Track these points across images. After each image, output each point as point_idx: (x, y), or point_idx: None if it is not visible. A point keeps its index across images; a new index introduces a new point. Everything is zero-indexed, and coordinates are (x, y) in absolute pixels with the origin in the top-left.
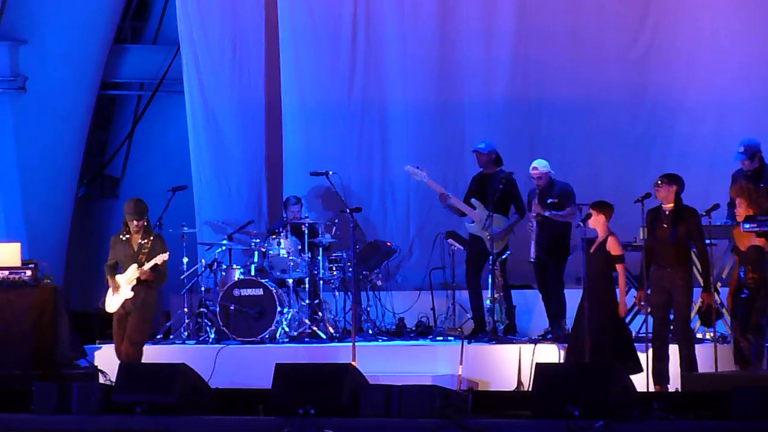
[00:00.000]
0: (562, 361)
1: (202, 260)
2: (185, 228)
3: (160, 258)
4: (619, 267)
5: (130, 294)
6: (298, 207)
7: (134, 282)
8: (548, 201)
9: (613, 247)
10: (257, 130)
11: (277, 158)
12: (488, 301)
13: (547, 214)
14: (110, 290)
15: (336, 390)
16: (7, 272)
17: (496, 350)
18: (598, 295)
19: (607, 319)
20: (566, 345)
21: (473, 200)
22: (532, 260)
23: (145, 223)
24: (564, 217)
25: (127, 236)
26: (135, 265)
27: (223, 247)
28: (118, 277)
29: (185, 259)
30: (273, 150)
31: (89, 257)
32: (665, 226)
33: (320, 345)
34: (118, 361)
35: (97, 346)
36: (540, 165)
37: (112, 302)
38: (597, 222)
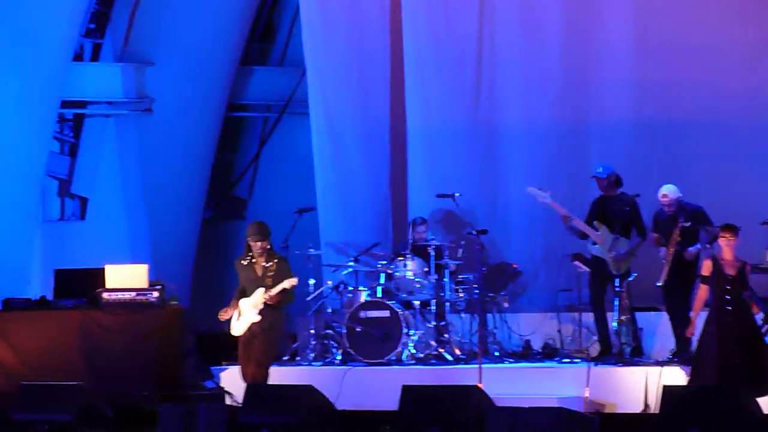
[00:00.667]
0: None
1: (329, 282)
2: (311, 250)
3: (289, 283)
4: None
5: (257, 318)
6: (424, 228)
7: (261, 306)
8: (680, 222)
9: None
10: (382, 151)
11: (401, 180)
12: (614, 323)
13: (693, 249)
14: (234, 314)
15: (462, 411)
16: (134, 293)
17: (622, 372)
18: (738, 315)
19: (745, 339)
20: (691, 367)
21: (596, 223)
22: (660, 284)
23: (268, 246)
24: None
25: (250, 260)
26: (262, 289)
27: (350, 269)
28: (244, 301)
29: (311, 281)
30: (397, 172)
31: (215, 279)
32: None
33: (446, 367)
34: (244, 383)
35: (223, 367)
36: (670, 191)
37: (238, 326)
38: (731, 244)
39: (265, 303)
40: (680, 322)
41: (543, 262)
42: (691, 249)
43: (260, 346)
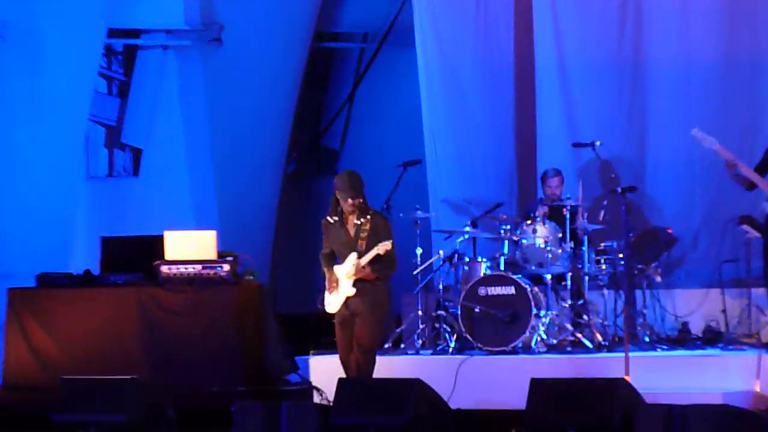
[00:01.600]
0: None
1: (440, 252)
2: (419, 212)
3: (382, 247)
4: None
5: (352, 291)
6: (558, 182)
7: (354, 276)
8: None
9: None
10: (506, 92)
11: (529, 127)
12: None
13: None
14: (327, 287)
15: (606, 409)
16: (200, 267)
17: None
18: None
19: None
20: None
21: None
22: None
23: (362, 200)
24: None
25: (338, 219)
26: (354, 255)
27: (466, 236)
28: (338, 268)
29: (419, 251)
30: (524, 117)
31: (302, 247)
32: None
33: (585, 355)
34: (337, 376)
35: (310, 356)
36: None
37: (332, 301)
38: None
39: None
40: None
41: (704, 226)
42: None
43: (362, 328)
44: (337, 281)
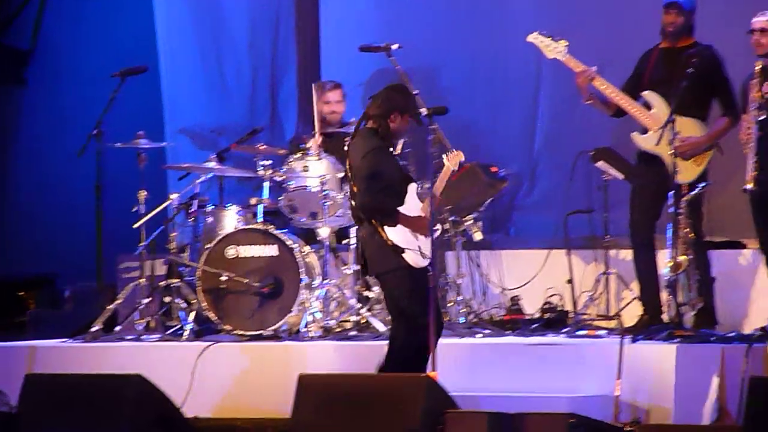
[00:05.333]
0: None
1: (171, 196)
2: (143, 141)
3: None
4: None
5: None
6: (337, 97)
7: None
8: None
9: None
10: None
11: (309, 24)
12: (667, 269)
13: None
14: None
15: (404, 418)
16: None
17: (680, 354)
18: None
19: None
20: None
21: (648, 93)
22: (748, 189)
23: None
24: None
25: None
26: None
27: (210, 174)
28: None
29: (142, 194)
30: (303, 10)
31: None
32: None
33: (375, 342)
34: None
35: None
36: None
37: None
38: None
39: None
40: None
41: (543, 162)
42: None
43: None
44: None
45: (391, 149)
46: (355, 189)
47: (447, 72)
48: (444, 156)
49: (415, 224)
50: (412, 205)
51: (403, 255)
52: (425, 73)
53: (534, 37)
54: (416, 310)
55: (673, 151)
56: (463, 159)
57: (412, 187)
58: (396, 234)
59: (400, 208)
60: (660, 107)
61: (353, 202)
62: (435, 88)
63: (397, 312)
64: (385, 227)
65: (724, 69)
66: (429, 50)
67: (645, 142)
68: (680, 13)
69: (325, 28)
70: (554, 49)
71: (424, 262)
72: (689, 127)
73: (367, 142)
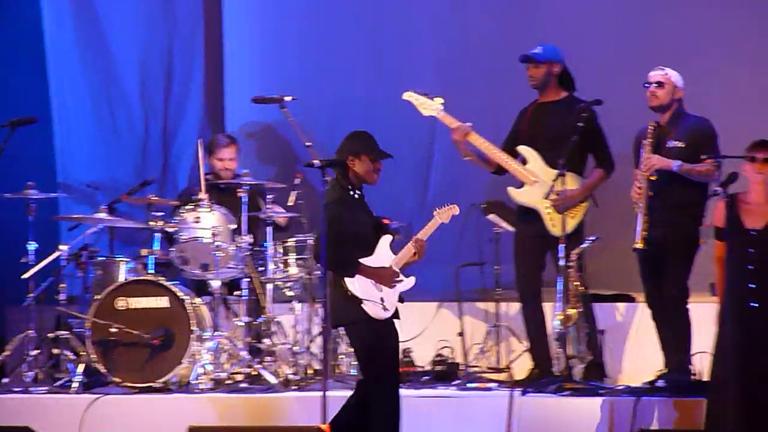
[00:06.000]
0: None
1: (62, 247)
2: (33, 191)
3: None
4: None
5: None
6: (231, 152)
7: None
8: (670, 144)
9: None
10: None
11: (215, 75)
12: (557, 322)
13: (675, 168)
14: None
15: None
16: None
17: (569, 407)
18: None
19: None
20: (706, 400)
21: (523, 148)
22: (636, 248)
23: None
24: (701, 174)
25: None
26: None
27: (101, 225)
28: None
29: (32, 246)
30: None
31: None
32: None
33: (267, 395)
34: None
35: None
36: (670, 70)
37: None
38: (761, 178)
39: None
40: (669, 318)
41: (431, 214)
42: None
43: None
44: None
45: (356, 196)
46: None
47: (343, 123)
48: (436, 208)
49: (377, 275)
50: (382, 256)
51: (363, 306)
52: (322, 124)
53: (409, 96)
54: (369, 364)
55: (549, 204)
56: (457, 212)
57: (386, 239)
58: (356, 285)
59: (367, 259)
60: (535, 161)
61: None
62: (333, 139)
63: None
64: (345, 278)
65: (598, 122)
66: (326, 102)
67: (521, 196)
68: (537, 66)
69: (229, 79)
70: (430, 106)
71: (385, 315)
72: (566, 181)
73: (330, 193)
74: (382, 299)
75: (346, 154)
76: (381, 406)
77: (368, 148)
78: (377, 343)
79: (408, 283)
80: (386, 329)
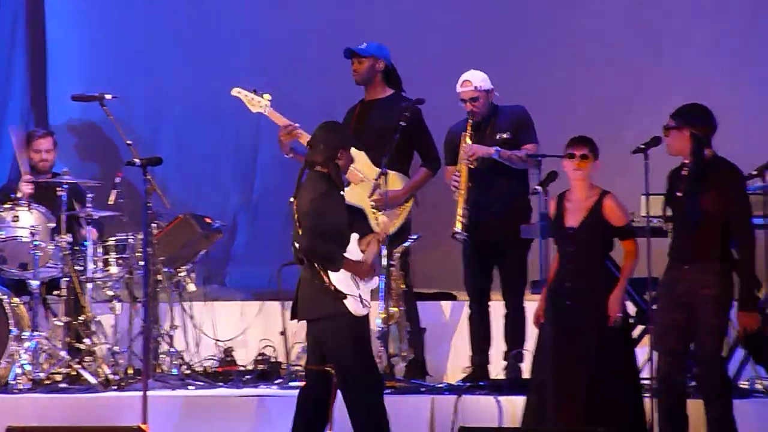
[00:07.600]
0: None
1: None
2: None
3: None
4: (628, 246)
5: None
6: (49, 145)
7: None
8: (497, 138)
9: (615, 214)
10: None
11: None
12: (379, 320)
13: (495, 155)
14: None
15: None
16: None
17: (391, 405)
18: (589, 302)
19: (602, 347)
20: (525, 396)
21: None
22: (456, 232)
23: None
24: (523, 160)
25: None
26: None
27: None
28: None
29: None
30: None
31: None
32: (679, 195)
33: (87, 395)
34: None
35: None
36: (476, 78)
37: None
38: (580, 174)
39: None
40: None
41: (258, 213)
42: None
43: None
44: None
45: (342, 192)
46: (300, 231)
47: (166, 121)
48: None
49: (357, 269)
50: (353, 252)
51: (344, 301)
52: (142, 122)
53: (237, 92)
54: (349, 361)
55: (372, 203)
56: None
57: (354, 236)
58: (339, 279)
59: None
60: (360, 160)
61: (297, 244)
62: (154, 137)
63: (321, 360)
64: (329, 272)
65: (422, 120)
66: (149, 101)
67: (347, 195)
68: (360, 61)
69: (53, 75)
70: (258, 103)
71: (363, 311)
72: (391, 180)
73: (316, 185)
74: (360, 295)
75: (334, 149)
76: (362, 401)
77: (350, 140)
78: (356, 338)
79: (375, 281)
80: (363, 326)
